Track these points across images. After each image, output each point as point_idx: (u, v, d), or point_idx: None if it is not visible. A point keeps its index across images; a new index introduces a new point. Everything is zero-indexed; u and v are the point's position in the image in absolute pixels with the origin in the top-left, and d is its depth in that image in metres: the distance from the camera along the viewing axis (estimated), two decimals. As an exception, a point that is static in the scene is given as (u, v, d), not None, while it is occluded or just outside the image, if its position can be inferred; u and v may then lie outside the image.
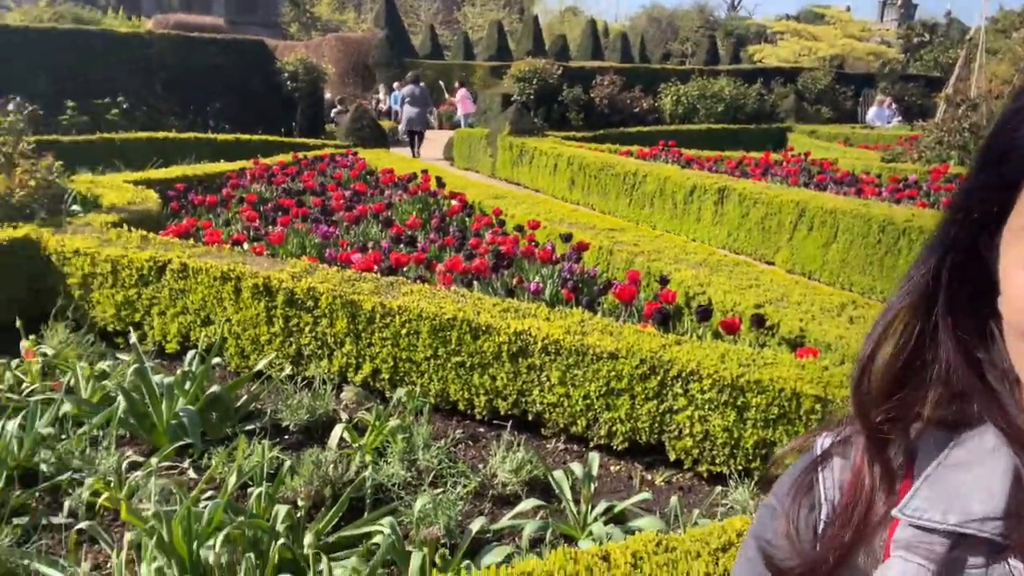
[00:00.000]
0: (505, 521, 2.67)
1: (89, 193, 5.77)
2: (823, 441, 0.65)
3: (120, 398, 3.05)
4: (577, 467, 2.86)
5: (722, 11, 54.84)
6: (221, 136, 10.51)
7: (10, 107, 5.11)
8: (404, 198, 6.90)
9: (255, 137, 10.69)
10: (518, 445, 3.08)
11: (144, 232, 4.53)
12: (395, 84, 21.82)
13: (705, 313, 3.67)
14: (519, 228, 5.55)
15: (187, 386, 3.26)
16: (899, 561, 0.55)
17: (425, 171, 7.72)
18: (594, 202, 9.62)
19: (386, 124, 16.79)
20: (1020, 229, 0.50)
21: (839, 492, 0.61)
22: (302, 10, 42.54)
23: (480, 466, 3.09)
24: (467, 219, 6.32)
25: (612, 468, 3.17)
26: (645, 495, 2.78)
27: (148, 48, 11.76)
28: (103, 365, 3.76)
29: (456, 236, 5.31)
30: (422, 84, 14.66)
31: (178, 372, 3.35)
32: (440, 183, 7.13)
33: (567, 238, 5.15)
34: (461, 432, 3.37)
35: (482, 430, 3.45)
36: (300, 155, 9.33)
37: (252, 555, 2.03)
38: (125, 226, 4.72)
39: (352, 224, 5.79)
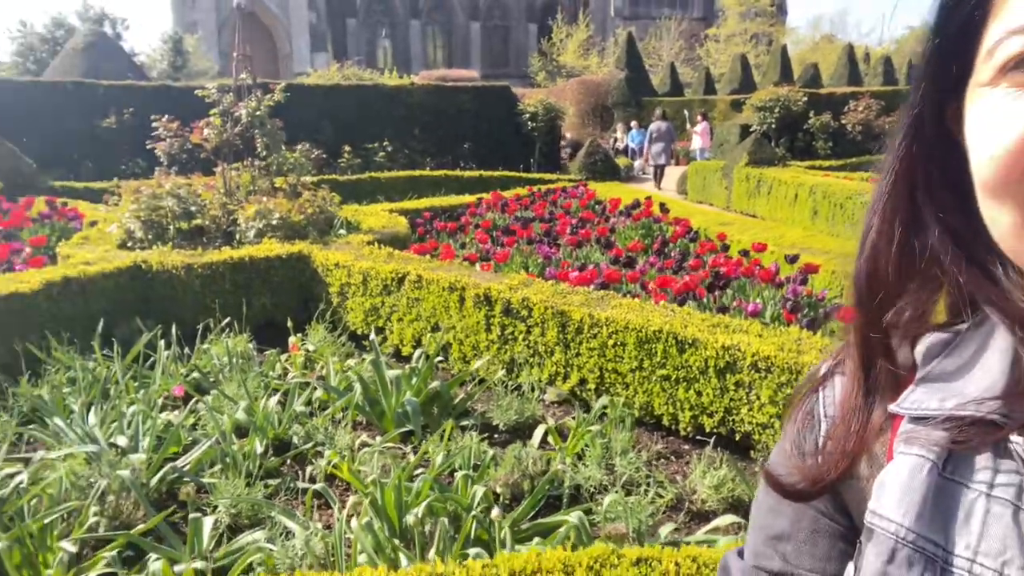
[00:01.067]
0: (699, 535, 2.58)
1: (353, 219, 6.63)
2: (826, 364, 0.64)
3: (357, 386, 3.46)
4: (783, 489, 2.67)
5: (1011, 25, 48.05)
6: (467, 173, 11.47)
7: (297, 150, 6.07)
8: (627, 224, 6.98)
9: (496, 173, 11.50)
10: (721, 463, 2.96)
11: (391, 249, 5.10)
12: (632, 123, 22.17)
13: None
14: (744, 252, 5.35)
15: (413, 381, 3.60)
16: (899, 457, 0.53)
17: (648, 198, 7.74)
18: (839, 232, 8.90)
19: (622, 161, 17.09)
20: (980, 86, 0.48)
21: (839, 407, 0.60)
22: (548, 59, 45.04)
23: (680, 479, 3.01)
24: (691, 244, 6.22)
25: (828, 499, 2.91)
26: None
27: (410, 98, 13.28)
28: (351, 361, 4.28)
29: (676, 259, 5.26)
30: (668, 120, 14.80)
31: (406, 368, 3.71)
32: (664, 209, 7.11)
33: (792, 259, 4.85)
34: (663, 446, 3.32)
35: (687, 447, 3.36)
36: (535, 188, 9.85)
37: (445, 520, 2.19)
38: (377, 245, 5.36)
39: (575, 247, 5.98)
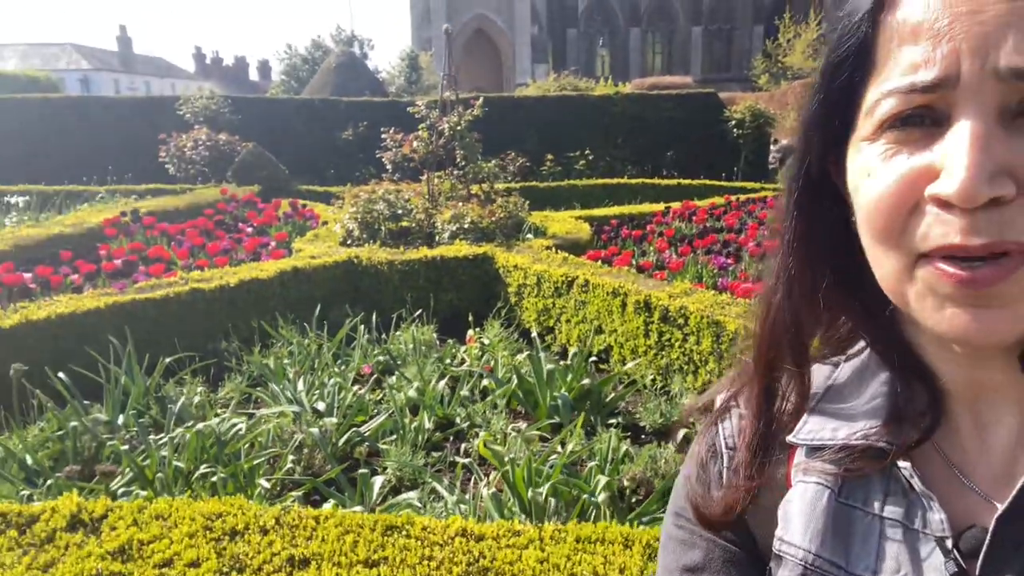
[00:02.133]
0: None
1: (541, 224, 7.03)
2: (723, 395, 0.67)
3: (514, 376, 3.79)
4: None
5: None
6: (664, 181, 11.47)
7: (492, 161, 6.60)
8: (821, 237, 6.65)
9: (695, 181, 11.37)
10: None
11: (566, 254, 5.40)
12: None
13: None
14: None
15: (568, 377, 3.85)
16: (799, 486, 0.57)
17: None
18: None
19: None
20: (861, 140, 0.52)
21: (738, 438, 0.63)
22: (773, 61, 42.85)
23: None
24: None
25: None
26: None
27: (614, 107, 13.55)
28: (519, 356, 4.64)
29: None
30: None
31: (561, 364, 3.98)
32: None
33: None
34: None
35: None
36: (733, 198, 9.63)
37: (552, 500, 2.42)
38: (555, 250, 5.68)
39: (758, 260, 5.86)
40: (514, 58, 56.02)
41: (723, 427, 0.65)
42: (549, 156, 12.58)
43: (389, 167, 12.76)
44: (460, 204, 6.31)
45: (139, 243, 6.54)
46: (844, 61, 0.53)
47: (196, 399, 3.88)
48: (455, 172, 6.71)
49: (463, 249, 5.64)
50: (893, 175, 0.49)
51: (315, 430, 3.22)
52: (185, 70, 64.03)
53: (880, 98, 0.50)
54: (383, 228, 6.42)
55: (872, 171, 0.50)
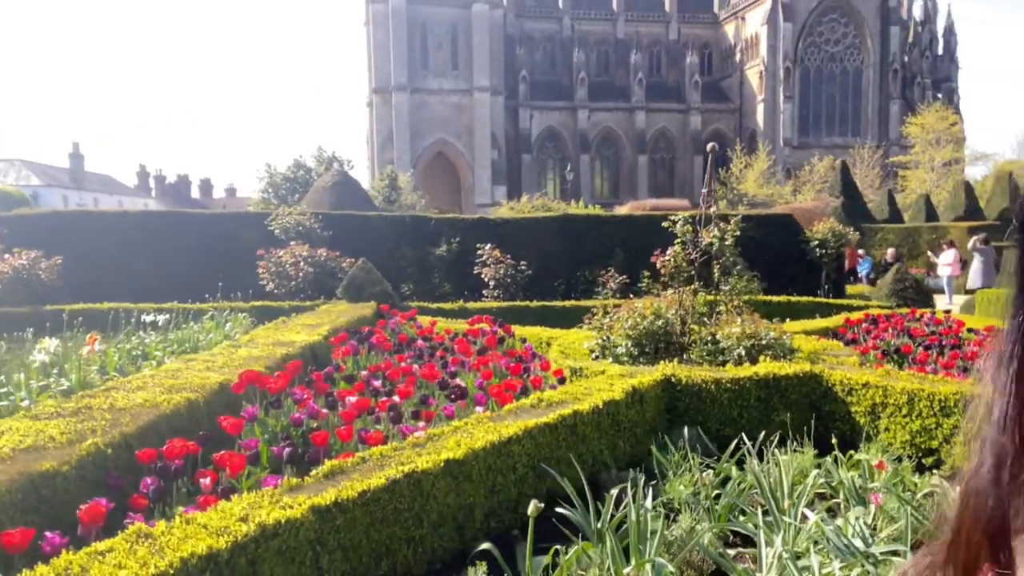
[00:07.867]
0: None
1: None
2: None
3: None
4: None
5: None
6: (776, 298, 11.61)
7: (746, 276, 6.46)
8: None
9: (804, 299, 11.58)
10: None
11: (908, 370, 5.19)
12: (860, 251, 21.79)
13: None
14: None
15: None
16: None
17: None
18: None
19: (856, 288, 16.79)
20: None
21: None
22: (728, 188, 45.68)
23: None
24: None
25: None
26: None
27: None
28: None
29: None
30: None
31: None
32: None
33: None
34: None
35: None
36: (869, 314, 9.76)
37: None
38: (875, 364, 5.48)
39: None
40: (473, 178, 57.63)
41: None
42: (646, 272, 12.61)
43: (490, 283, 12.43)
44: (739, 319, 6.09)
45: (381, 364, 5.96)
46: None
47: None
48: (718, 287, 6.53)
49: (789, 367, 5.35)
50: None
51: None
52: (128, 186, 62.62)
53: None
54: (655, 344, 6.09)
55: None
